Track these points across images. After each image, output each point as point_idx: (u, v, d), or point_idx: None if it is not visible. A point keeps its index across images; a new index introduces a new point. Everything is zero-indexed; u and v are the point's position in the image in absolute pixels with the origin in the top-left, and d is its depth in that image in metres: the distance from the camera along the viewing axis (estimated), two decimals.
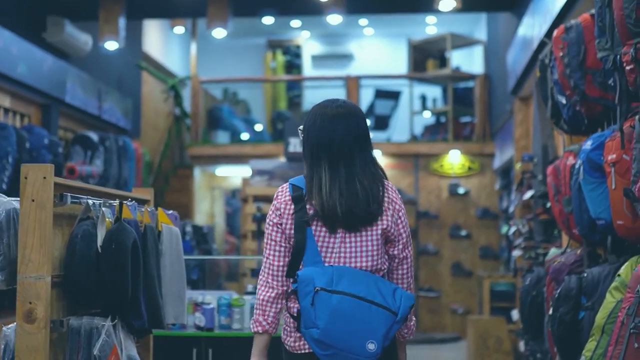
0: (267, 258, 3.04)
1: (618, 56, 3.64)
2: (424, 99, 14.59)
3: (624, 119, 3.77)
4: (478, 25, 15.43)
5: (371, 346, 2.82)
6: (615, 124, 4.00)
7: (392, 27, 16.29)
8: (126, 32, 12.05)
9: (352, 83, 13.80)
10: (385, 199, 3.03)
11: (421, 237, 13.34)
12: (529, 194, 7.61)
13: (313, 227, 2.97)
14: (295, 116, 15.48)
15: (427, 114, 14.92)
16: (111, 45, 10.04)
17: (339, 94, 14.10)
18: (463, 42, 14.51)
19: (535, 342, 5.93)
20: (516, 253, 8.56)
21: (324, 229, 2.97)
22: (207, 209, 14.50)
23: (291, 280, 2.99)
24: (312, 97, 16.53)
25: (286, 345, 3.06)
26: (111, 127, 11.94)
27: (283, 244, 3.01)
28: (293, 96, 16.88)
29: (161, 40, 15.16)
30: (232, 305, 5.41)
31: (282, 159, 9.84)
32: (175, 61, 15.77)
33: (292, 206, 3.00)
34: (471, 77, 14.02)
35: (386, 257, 3.08)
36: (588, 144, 4.27)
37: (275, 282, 3.00)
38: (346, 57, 17.13)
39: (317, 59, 17.27)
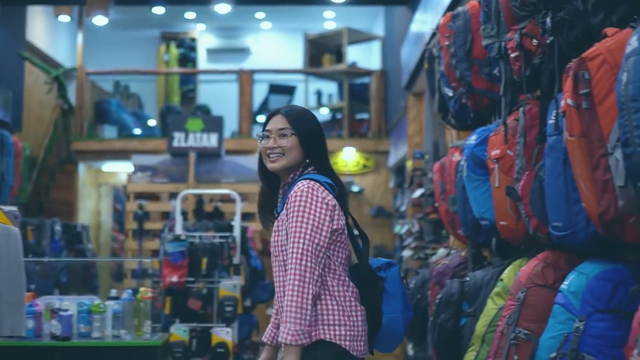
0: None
1: (503, 43, 3.36)
2: (319, 94, 14.30)
3: (508, 112, 3.49)
4: (376, 21, 15.22)
5: None
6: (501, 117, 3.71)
7: (289, 21, 15.95)
8: (7, 19, 11.38)
9: (246, 77, 13.39)
10: None
11: None
12: (418, 193, 7.38)
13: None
14: (186, 111, 14.97)
15: (324, 111, 14.64)
16: None
17: (234, 88, 13.69)
18: (360, 37, 14.27)
19: (420, 348, 5.66)
20: (406, 253, 8.32)
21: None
22: (93, 207, 13.86)
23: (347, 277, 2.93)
24: (206, 92, 16.09)
25: (355, 352, 2.87)
26: None
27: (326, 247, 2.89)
28: (187, 90, 16.36)
29: (47, 30, 14.42)
30: (92, 311, 4.95)
31: (167, 155, 9.36)
32: (62, 52, 15.04)
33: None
34: (367, 72, 13.79)
35: None
36: (472, 139, 3.99)
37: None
38: (242, 51, 16.71)
39: (212, 53, 16.79)
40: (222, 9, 9.41)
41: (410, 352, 7.14)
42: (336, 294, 2.88)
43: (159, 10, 14.40)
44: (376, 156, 13.15)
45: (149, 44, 16.55)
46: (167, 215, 9.18)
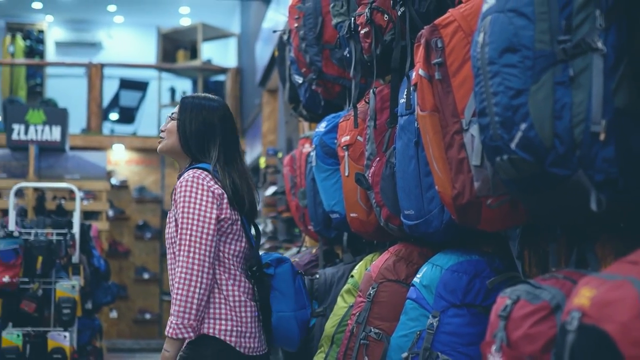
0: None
1: (353, 19, 3.12)
2: (173, 91, 13.88)
3: (359, 95, 3.25)
4: (232, 18, 14.91)
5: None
6: None
7: (143, 16, 15.44)
8: None
9: (95, 71, 12.83)
10: None
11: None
12: (271, 190, 7.13)
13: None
14: (30, 105, 14.21)
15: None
16: None
17: (84, 84, 13.11)
18: (215, 33, 13.93)
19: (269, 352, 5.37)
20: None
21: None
22: None
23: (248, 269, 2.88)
24: (54, 86, 15.36)
25: (242, 348, 2.80)
26: None
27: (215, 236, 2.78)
28: (34, 85, 15.55)
29: None
30: None
31: (6, 149, 8.75)
32: None
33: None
34: (223, 70, 13.48)
35: None
36: (322, 127, 3.75)
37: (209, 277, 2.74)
38: (94, 46, 16.04)
39: (61, 46, 16.05)
40: None
41: None
42: (224, 287, 2.80)
43: None
44: None
45: None
46: (6, 213, 8.58)
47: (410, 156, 2.52)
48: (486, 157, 1.87)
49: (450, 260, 2.41)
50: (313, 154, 3.75)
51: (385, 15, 2.85)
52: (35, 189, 8.13)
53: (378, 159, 2.95)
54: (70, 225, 6.33)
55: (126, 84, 13.88)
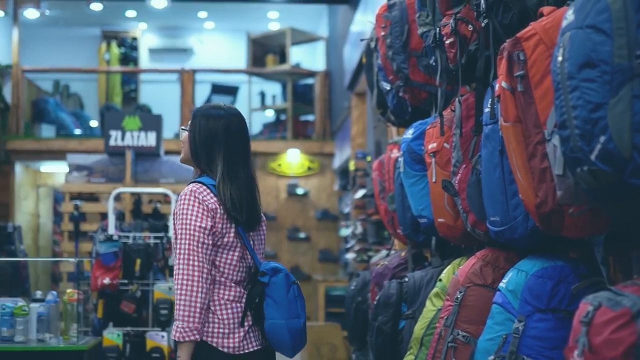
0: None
1: (438, 30, 3.20)
2: (263, 95, 14.09)
3: (445, 103, 3.33)
4: (320, 22, 15.06)
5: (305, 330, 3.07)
6: None
7: (232, 21, 15.72)
8: None
9: (187, 77, 13.12)
10: None
11: None
12: (360, 193, 7.22)
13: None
14: (125, 111, 14.64)
15: (269, 113, 14.45)
16: None
17: (176, 89, 13.43)
18: (304, 37, 14.09)
19: (361, 353, 5.47)
20: (350, 256, 8.16)
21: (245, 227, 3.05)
22: (31, 209, 13.47)
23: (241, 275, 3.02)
24: (148, 92, 15.78)
25: (224, 348, 2.96)
26: None
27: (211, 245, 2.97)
28: (129, 91, 16.03)
29: None
30: (14, 314, 4.71)
31: (104, 154, 9.06)
32: None
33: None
34: (311, 73, 13.62)
35: None
36: (409, 133, 3.83)
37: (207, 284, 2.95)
38: (185, 52, 16.41)
39: (154, 53, 16.47)
40: (159, 3, 9.15)
41: (353, 357, 6.98)
42: (215, 293, 2.99)
43: (97, 7, 14.05)
44: (321, 158, 12.98)
45: (89, 42, 16.19)
46: (105, 216, 8.89)
47: (495, 164, 2.58)
48: (567, 167, 1.93)
49: (535, 265, 2.47)
50: (401, 159, 3.83)
51: (470, 26, 2.93)
52: (132, 193, 8.40)
53: (464, 166, 3.02)
54: (166, 228, 6.54)
55: (217, 88, 14.15)
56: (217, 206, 2.95)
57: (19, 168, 12.87)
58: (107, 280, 5.83)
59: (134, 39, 16.40)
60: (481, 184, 2.81)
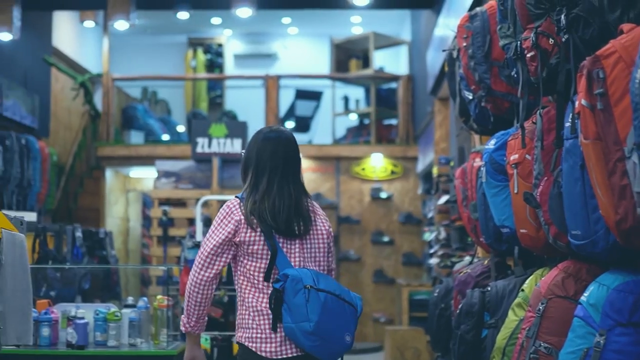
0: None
1: (519, 43, 3.22)
2: (346, 100, 14.18)
3: (526, 115, 3.35)
4: (403, 26, 15.08)
5: (348, 338, 3.24)
6: None
7: (316, 26, 15.87)
8: (33, 25, 11.37)
9: (272, 82, 13.31)
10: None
11: (342, 243, 12.90)
12: (444, 199, 7.23)
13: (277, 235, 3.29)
14: (212, 116, 14.93)
15: (353, 117, 14.53)
16: (5, 37, 9.38)
17: (261, 94, 13.62)
18: (387, 42, 14.12)
19: (445, 359, 5.50)
20: (434, 261, 8.18)
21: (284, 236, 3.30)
22: (121, 213, 13.85)
23: (270, 282, 3.25)
24: (233, 98, 16.04)
25: (263, 352, 3.22)
26: (14, 125, 11.26)
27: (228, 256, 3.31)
28: (214, 96, 16.34)
29: (73, 35, 14.47)
30: (107, 319, 4.87)
31: (191, 160, 9.30)
32: (89, 58, 15.08)
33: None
34: (395, 78, 13.65)
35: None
36: (491, 144, 3.85)
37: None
38: (270, 57, 16.64)
39: (239, 58, 16.74)
40: (244, 12, 9.31)
41: None
42: (246, 300, 3.28)
43: (184, 15, 14.37)
44: (404, 162, 13.00)
45: (176, 49, 16.56)
46: (192, 222, 9.12)
47: (576, 178, 2.60)
48: None
49: (617, 280, 2.48)
50: (483, 169, 3.86)
51: (551, 40, 2.94)
52: (220, 200, 8.58)
53: (546, 178, 3.04)
54: None
55: (301, 94, 14.30)
56: (242, 218, 3.27)
57: (109, 174, 13.25)
58: None
59: (220, 45, 16.70)
60: (562, 196, 2.83)
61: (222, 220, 3.30)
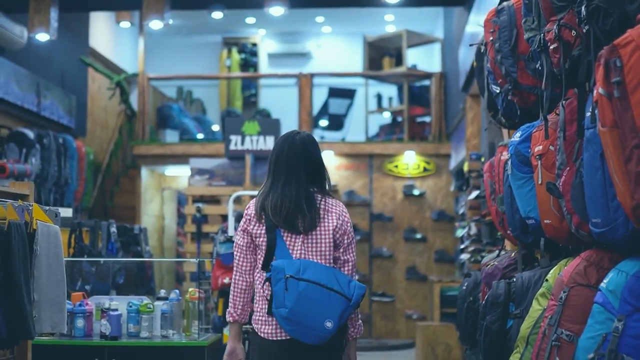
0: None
1: (542, 35, 3.26)
2: (379, 97, 14.22)
3: (550, 106, 3.39)
4: (436, 23, 15.09)
5: (329, 324, 3.48)
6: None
7: (349, 25, 15.93)
8: (70, 25, 11.56)
9: (305, 81, 13.38)
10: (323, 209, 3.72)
11: (375, 240, 12.95)
12: (474, 194, 7.25)
13: (281, 229, 3.62)
14: (245, 115, 15.03)
15: (386, 115, 14.57)
16: (42, 37, 9.56)
17: (295, 93, 13.70)
18: (420, 39, 14.14)
19: (473, 352, 5.53)
20: (464, 256, 8.19)
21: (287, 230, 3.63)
22: (156, 211, 14.01)
23: (265, 272, 3.60)
24: (268, 96, 16.16)
25: (262, 333, 3.58)
26: (52, 125, 11.46)
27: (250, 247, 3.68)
28: (249, 95, 16.47)
29: (109, 36, 14.67)
30: (140, 311, 4.98)
31: (224, 158, 9.39)
32: (125, 58, 15.28)
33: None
34: (427, 75, 13.67)
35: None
36: (517, 136, 3.88)
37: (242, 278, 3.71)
38: (303, 56, 16.73)
39: (273, 58, 16.85)
40: (277, 11, 9.39)
41: (465, 356, 7.03)
42: (256, 286, 3.67)
43: (218, 15, 14.50)
44: (437, 159, 13.02)
45: (211, 49, 16.71)
46: (225, 218, 9.20)
47: (596, 167, 2.64)
48: None
49: (636, 266, 2.52)
50: (509, 162, 3.89)
51: (573, 31, 2.98)
52: (251, 196, 8.67)
53: (568, 168, 3.07)
54: None
55: (335, 92, 14.36)
56: (253, 212, 3.66)
57: (144, 172, 13.41)
58: (227, 280, 6.06)
59: (254, 44, 16.82)
60: (584, 186, 2.86)
61: (244, 214, 3.72)
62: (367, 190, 13.05)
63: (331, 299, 3.50)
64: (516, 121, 4.46)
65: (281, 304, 3.46)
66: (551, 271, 3.45)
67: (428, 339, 8.86)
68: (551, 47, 3.15)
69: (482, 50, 4.92)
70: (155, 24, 9.60)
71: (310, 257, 3.61)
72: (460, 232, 9.74)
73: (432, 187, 13.02)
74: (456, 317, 5.80)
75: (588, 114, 2.74)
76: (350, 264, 3.73)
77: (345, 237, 3.72)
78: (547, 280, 3.44)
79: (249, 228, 3.64)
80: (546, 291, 3.39)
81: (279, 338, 3.54)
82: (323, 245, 3.65)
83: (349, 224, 3.75)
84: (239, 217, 8.13)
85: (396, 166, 13.07)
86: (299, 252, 3.61)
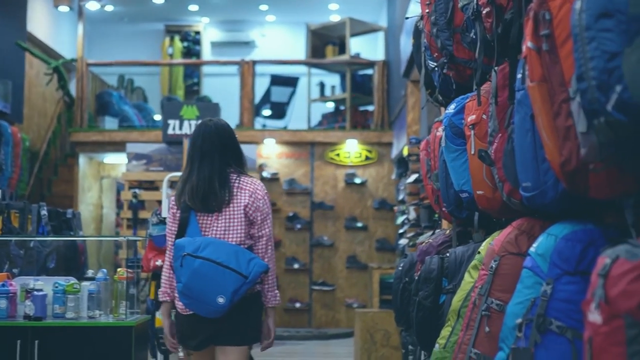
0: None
1: (476, 1, 3.19)
2: (322, 86, 14.14)
3: (481, 75, 3.32)
4: (380, 12, 15.05)
5: (221, 299, 3.69)
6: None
7: (293, 14, 15.81)
8: (7, 9, 11.26)
9: (247, 68, 13.24)
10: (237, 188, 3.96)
11: (316, 229, 12.87)
12: (413, 178, 7.21)
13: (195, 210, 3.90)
14: (185, 101, 14.82)
15: (329, 105, 14.50)
16: None
17: (237, 82, 13.55)
18: (363, 28, 14.09)
19: (408, 333, 5.48)
20: (403, 242, 8.15)
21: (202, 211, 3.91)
22: (94, 199, 13.75)
23: None
24: (210, 85, 15.98)
25: (178, 308, 3.89)
26: None
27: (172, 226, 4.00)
28: (191, 84, 16.25)
29: (47, 20, 14.33)
30: (66, 292, 4.83)
31: (163, 143, 9.21)
32: (64, 43, 14.94)
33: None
34: (370, 63, 13.62)
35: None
36: (451, 108, 3.82)
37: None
38: (247, 45, 16.56)
39: (216, 46, 16.65)
40: None
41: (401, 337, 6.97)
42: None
43: (160, 1, 14.27)
44: (379, 148, 12.99)
45: (153, 37, 16.46)
46: (161, 204, 9.03)
47: (526, 129, 2.57)
48: (586, 120, 1.92)
49: (565, 229, 2.45)
50: (443, 135, 3.83)
51: None
52: None
53: (500, 135, 3.01)
54: None
55: (277, 80, 14.25)
56: (174, 198, 4.00)
57: (82, 160, 13.15)
58: (159, 262, 5.91)
59: (197, 33, 16.61)
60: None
61: (170, 201, 4.05)
62: (309, 179, 12.97)
63: (225, 276, 3.70)
64: (452, 96, 4.41)
65: (178, 279, 3.75)
66: (483, 243, 3.39)
67: (367, 325, 8.80)
68: (484, 12, 3.08)
69: (420, 27, 4.86)
70: (92, 5, 9.38)
71: (224, 235, 3.86)
72: (400, 219, 9.70)
73: (373, 175, 12.98)
74: (392, 299, 5.73)
75: (519, 75, 2.68)
76: (264, 239, 3.95)
77: (259, 214, 3.93)
78: (479, 252, 3.38)
79: (173, 212, 3.96)
80: (478, 263, 3.32)
81: (187, 313, 3.83)
82: (236, 222, 3.88)
83: (262, 201, 3.96)
84: None
85: (338, 154, 13.00)
86: (213, 231, 3.87)
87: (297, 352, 10.58)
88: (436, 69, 4.33)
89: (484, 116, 3.26)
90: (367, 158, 12.97)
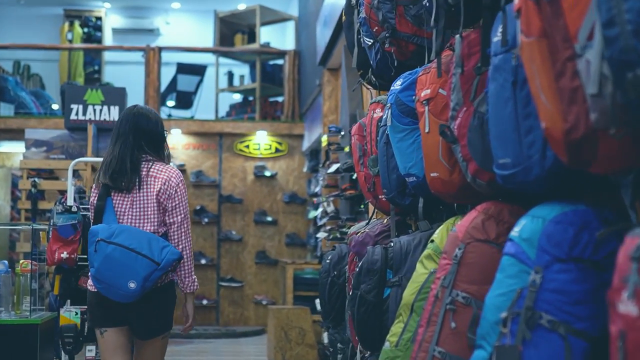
0: None
1: None
2: (230, 75, 13.73)
3: (440, 43, 3.01)
4: (290, 2, 14.73)
5: (132, 285, 3.80)
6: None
7: (200, 1, 15.34)
8: None
9: (153, 55, 12.73)
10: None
11: (224, 223, 12.47)
12: (334, 168, 6.91)
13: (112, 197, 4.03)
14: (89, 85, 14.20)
15: (236, 96, 14.12)
16: None
17: (141, 70, 13.03)
18: (274, 16, 13.75)
19: (336, 331, 5.17)
20: (321, 235, 7.84)
21: (118, 197, 4.04)
22: None
23: None
24: (112, 73, 15.37)
25: (89, 286, 4.02)
26: None
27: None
28: (92, 72, 15.59)
29: None
30: None
31: (65, 130, 8.65)
32: None
33: None
34: (281, 53, 13.28)
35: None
36: (397, 84, 3.51)
37: None
38: (151, 32, 16.01)
39: (119, 33, 16.04)
40: None
41: (326, 339, 6.65)
42: None
43: None
44: (289, 140, 12.67)
45: (51, 22, 15.77)
46: (65, 194, 8.49)
47: (506, 98, 2.27)
48: (612, 76, 1.62)
49: (554, 210, 2.16)
50: (388, 113, 3.52)
51: None
52: (93, 170, 8.01)
53: (465, 109, 2.70)
54: None
55: (184, 68, 13.78)
56: (94, 182, 4.16)
57: None
58: (65, 255, 5.43)
59: (98, 18, 15.97)
60: (485, 127, 2.50)
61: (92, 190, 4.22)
62: (217, 171, 12.56)
63: (137, 262, 3.80)
64: (391, 75, 4.11)
65: (91, 264, 3.87)
66: (437, 230, 3.09)
67: (281, 323, 8.45)
68: None
69: (353, 3, 4.56)
70: None
71: (138, 222, 3.99)
72: (313, 213, 9.40)
73: (284, 168, 12.65)
74: (319, 295, 5.40)
75: (496, 37, 2.38)
76: (175, 225, 4.04)
77: (170, 201, 4.03)
78: (432, 241, 3.07)
79: (94, 197, 4.11)
80: (432, 252, 3.02)
81: (95, 290, 3.97)
82: (149, 210, 4.01)
83: (175, 189, 4.06)
84: (79, 191, 7.49)
85: (247, 146, 12.63)
86: (128, 218, 4.00)
87: (207, 351, 10.17)
88: (376, 44, 4.02)
89: (441, 90, 2.95)
90: (277, 150, 12.64)
